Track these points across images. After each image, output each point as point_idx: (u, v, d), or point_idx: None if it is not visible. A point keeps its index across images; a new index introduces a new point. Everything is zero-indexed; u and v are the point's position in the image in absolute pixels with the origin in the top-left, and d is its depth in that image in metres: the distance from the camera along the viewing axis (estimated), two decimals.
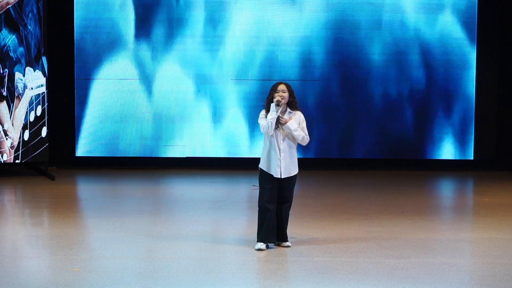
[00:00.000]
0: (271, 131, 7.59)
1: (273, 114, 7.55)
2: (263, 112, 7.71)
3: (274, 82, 7.89)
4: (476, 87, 15.28)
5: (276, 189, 7.65)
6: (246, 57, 15.26)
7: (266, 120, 7.58)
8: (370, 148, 15.36)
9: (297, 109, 7.73)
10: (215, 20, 15.22)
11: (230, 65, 15.26)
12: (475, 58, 15.22)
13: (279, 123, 7.60)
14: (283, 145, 7.65)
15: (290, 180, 7.71)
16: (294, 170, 7.71)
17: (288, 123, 7.59)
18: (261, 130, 7.66)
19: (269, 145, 7.66)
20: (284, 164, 7.63)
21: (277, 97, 7.58)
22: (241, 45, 15.23)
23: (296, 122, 7.64)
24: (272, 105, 7.56)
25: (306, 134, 7.70)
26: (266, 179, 7.65)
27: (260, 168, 7.70)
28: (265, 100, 7.72)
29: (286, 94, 7.63)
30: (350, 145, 15.39)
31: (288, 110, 7.69)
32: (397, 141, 15.35)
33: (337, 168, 15.29)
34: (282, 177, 7.63)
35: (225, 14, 15.22)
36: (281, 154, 7.63)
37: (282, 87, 7.66)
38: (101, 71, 15.25)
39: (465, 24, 15.19)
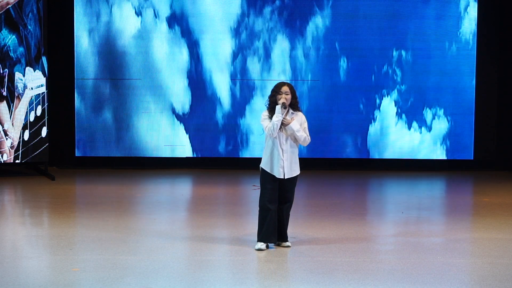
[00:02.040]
0: (276, 133, 7.58)
1: (278, 116, 7.52)
2: (265, 113, 7.68)
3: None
4: (476, 87, 15.27)
5: (277, 189, 7.64)
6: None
7: (271, 122, 7.56)
8: (370, 149, 15.35)
9: (299, 110, 7.73)
10: None
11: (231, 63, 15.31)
12: (475, 58, 15.21)
13: (282, 124, 7.59)
14: (286, 146, 7.64)
15: (292, 180, 7.70)
16: (296, 171, 7.71)
17: (291, 124, 7.58)
18: (265, 131, 7.64)
19: (272, 146, 7.64)
20: (287, 165, 7.62)
21: (282, 100, 7.56)
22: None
23: (298, 123, 7.63)
24: (278, 107, 7.53)
25: (307, 135, 7.70)
26: (267, 179, 7.63)
27: (262, 168, 7.68)
28: (267, 100, 7.71)
29: (289, 96, 7.62)
30: (350, 145, 15.38)
31: (291, 111, 7.67)
32: (397, 141, 15.34)
33: (337, 168, 15.29)
34: (286, 177, 7.63)
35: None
36: (284, 155, 7.62)
37: (285, 88, 7.63)
38: (101, 71, 15.25)
39: (465, 23, 15.18)
